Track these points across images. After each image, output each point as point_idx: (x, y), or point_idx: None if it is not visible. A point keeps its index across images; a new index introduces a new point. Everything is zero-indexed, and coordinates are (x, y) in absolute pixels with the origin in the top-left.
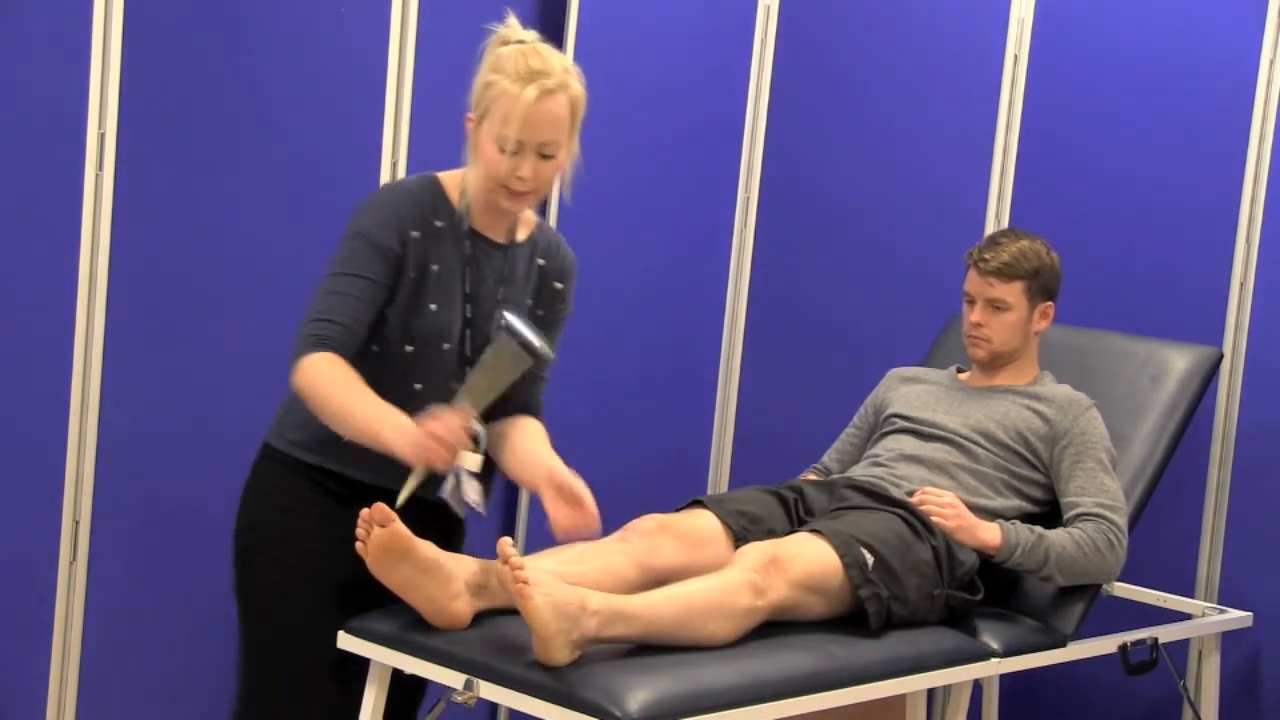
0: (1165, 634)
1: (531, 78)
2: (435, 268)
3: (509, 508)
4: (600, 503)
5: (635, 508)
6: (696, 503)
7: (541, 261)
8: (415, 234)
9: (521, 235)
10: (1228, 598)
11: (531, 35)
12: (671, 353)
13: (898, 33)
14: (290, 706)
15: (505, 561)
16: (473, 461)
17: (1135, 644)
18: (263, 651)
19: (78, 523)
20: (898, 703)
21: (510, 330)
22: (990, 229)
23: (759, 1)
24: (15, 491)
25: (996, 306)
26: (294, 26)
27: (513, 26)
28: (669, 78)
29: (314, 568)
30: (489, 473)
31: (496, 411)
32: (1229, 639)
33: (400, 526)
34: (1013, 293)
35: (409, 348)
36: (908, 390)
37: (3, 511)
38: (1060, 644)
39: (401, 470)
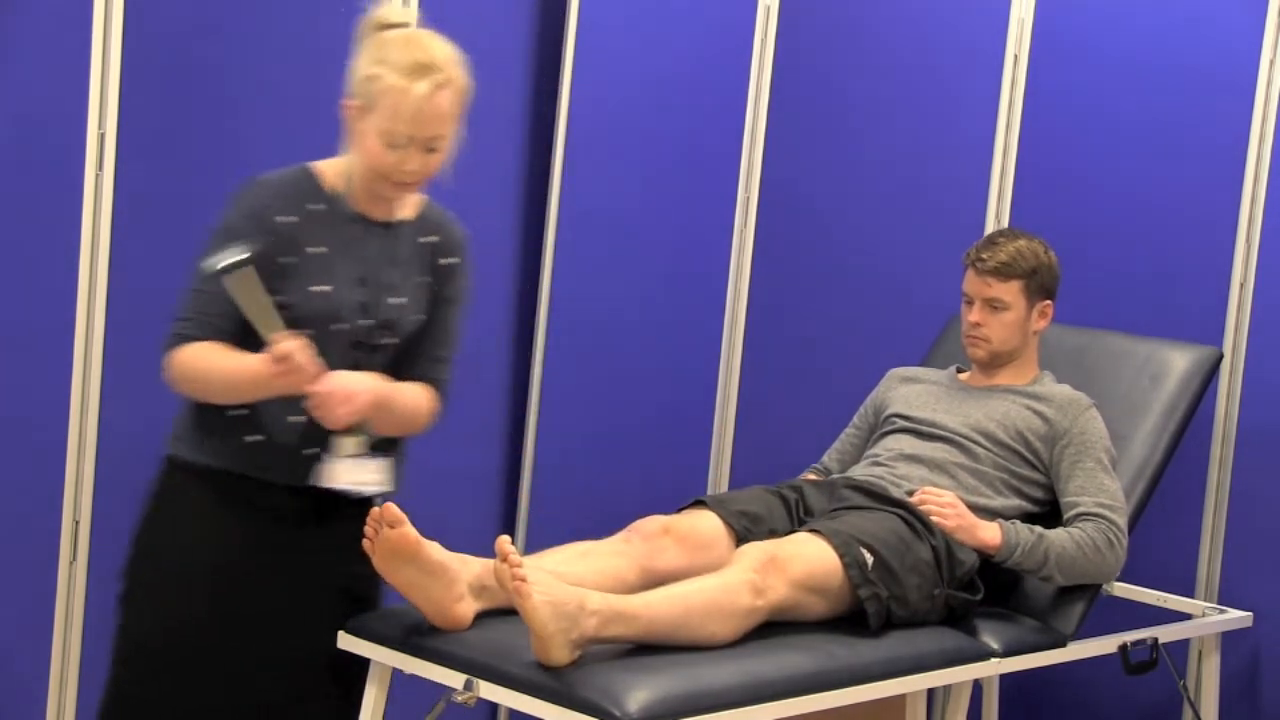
0: (1165, 634)
1: (420, 72)
2: (316, 250)
3: (509, 507)
4: (600, 503)
5: (635, 508)
6: (698, 503)
7: (430, 239)
8: (285, 220)
9: (407, 214)
10: (1228, 598)
11: (411, 15)
12: (671, 353)
13: (897, 33)
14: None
15: (504, 560)
16: (350, 446)
17: (1135, 644)
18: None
19: (78, 523)
20: (898, 703)
21: (220, 272)
22: (990, 229)
23: (759, 2)
24: (15, 491)
25: (994, 306)
26: (294, 26)
27: (390, 6)
28: (669, 78)
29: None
30: (390, 451)
31: (397, 378)
32: (1229, 639)
33: (410, 529)
34: (1010, 292)
35: (305, 331)
36: (908, 390)
37: (3, 511)
38: (1060, 644)
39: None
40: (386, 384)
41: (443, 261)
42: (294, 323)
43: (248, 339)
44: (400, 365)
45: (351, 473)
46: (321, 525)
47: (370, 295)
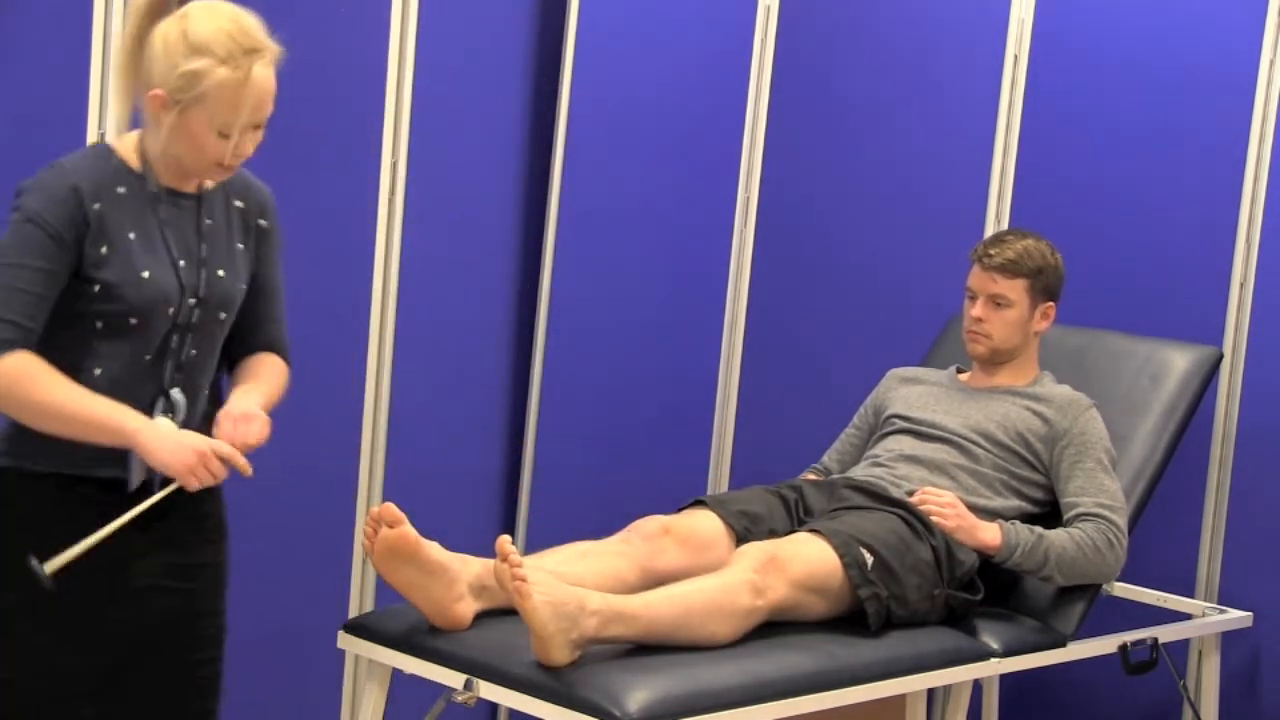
0: (1165, 634)
1: (249, 57)
2: (132, 235)
3: (509, 507)
4: (600, 503)
5: (635, 508)
6: (699, 503)
7: (239, 204)
8: (96, 207)
9: (210, 183)
10: (1228, 598)
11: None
12: (671, 353)
13: (897, 33)
14: None
15: (504, 560)
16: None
17: (1135, 644)
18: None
19: None
20: (898, 703)
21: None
22: (990, 229)
23: (759, 2)
24: None
25: (998, 303)
26: (294, 26)
27: None
28: (669, 78)
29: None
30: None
31: (237, 351)
32: (1229, 639)
33: (409, 528)
34: (1015, 290)
35: (133, 320)
36: (907, 391)
37: None
38: (1060, 644)
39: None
40: (260, 392)
41: (259, 223)
42: (132, 314)
43: (97, 324)
44: (238, 337)
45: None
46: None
47: (192, 274)
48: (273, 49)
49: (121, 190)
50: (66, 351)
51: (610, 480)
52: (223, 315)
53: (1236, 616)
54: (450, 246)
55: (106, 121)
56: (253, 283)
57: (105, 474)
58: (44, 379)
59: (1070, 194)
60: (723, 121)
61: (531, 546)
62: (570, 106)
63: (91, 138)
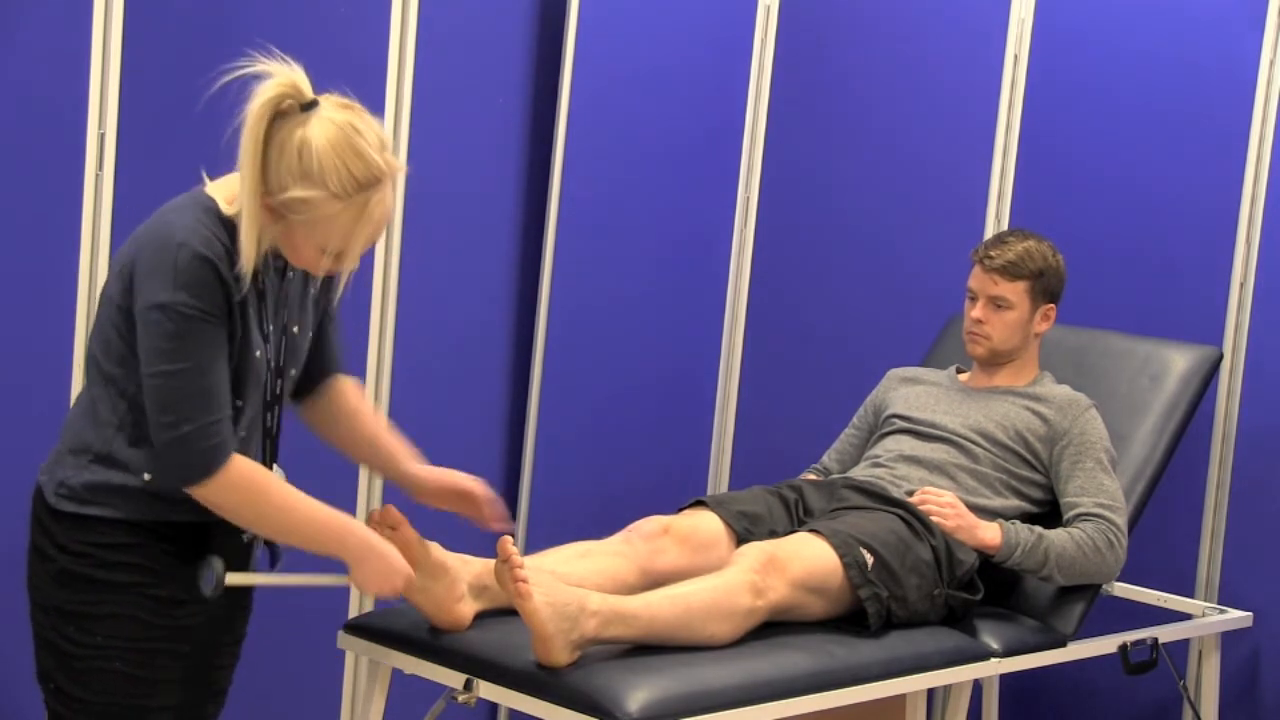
0: (1165, 634)
1: (362, 192)
2: (251, 311)
3: (509, 507)
4: (600, 503)
5: (635, 508)
6: (699, 503)
7: None
8: (233, 283)
9: None
10: (1228, 598)
11: (305, 85)
12: (671, 353)
13: (898, 33)
14: None
15: (505, 561)
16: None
17: (1135, 644)
18: None
19: None
20: (898, 703)
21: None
22: (990, 229)
23: (759, 1)
24: (16, 492)
25: (998, 304)
26: (294, 26)
27: (286, 77)
28: (669, 78)
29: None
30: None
31: (303, 382)
32: (1229, 639)
33: (410, 530)
34: (1015, 291)
35: (239, 402)
36: (907, 391)
37: (3, 512)
38: (1060, 644)
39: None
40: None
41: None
42: (239, 395)
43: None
44: (311, 368)
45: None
46: None
47: (278, 341)
48: (392, 171)
49: (236, 270)
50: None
51: (610, 480)
52: (293, 372)
53: (1236, 616)
54: (450, 246)
55: (106, 121)
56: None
57: (180, 519)
58: (274, 486)
59: (1070, 194)
60: (723, 121)
61: (531, 546)
62: (570, 106)
63: (92, 138)
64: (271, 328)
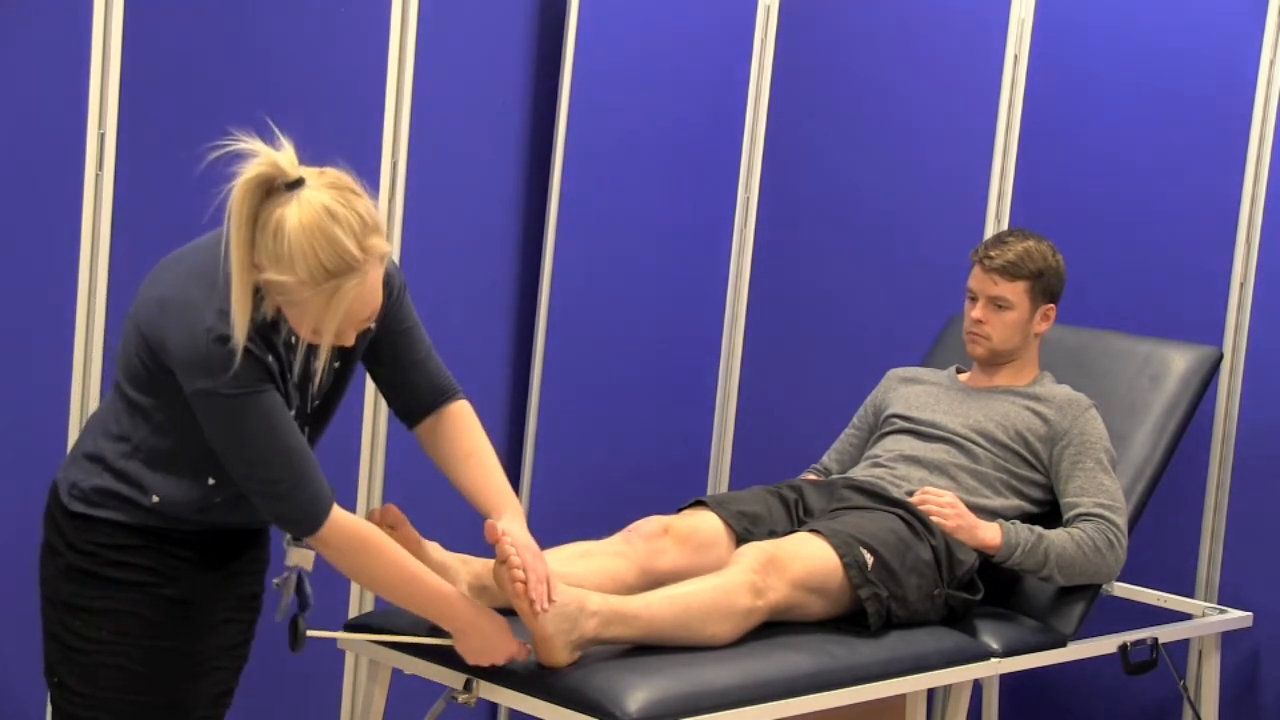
0: (1165, 634)
1: (331, 279)
2: (285, 370)
3: None
4: (600, 502)
5: (635, 508)
6: (698, 503)
7: None
8: (266, 356)
9: None
10: (1228, 598)
11: (292, 164)
12: (671, 353)
13: (898, 33)
14: None
15: (503, 562)
16: (308, 559)
17: (1135, 644)
18: None
19: None
20: (898, 703)
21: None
22: (990, 229)
23: (759, 1)
24: (15, 492)
25: (998, 305)
26: (294, 26)
27: (270, 159)
28: (669, 78)
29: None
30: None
31: (412, 403)
32: (1229, 639)
33: (411, 530)
34: (1015, 292)
35: None
36: (907, 391)
37: (3, 512)
38: (1060, 644)
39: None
40: (519, 512)
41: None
42: None
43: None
44: (401, 388)
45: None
46: None
47: (300, 388)
48: (369, 258)
49: (262, 324)
50: (195, 464)
51: (610, 480)
52: (316, 402)
53: (1236, 616)
54: (450, 246)
55: (106, 121)
56: (384, 335)
57: (187, 527)
58: (386, 543)
59: (1070, 194)
60: (723, 122)
61: None
62: (570, 106)
63: (92, 138)
64: (295, 384)
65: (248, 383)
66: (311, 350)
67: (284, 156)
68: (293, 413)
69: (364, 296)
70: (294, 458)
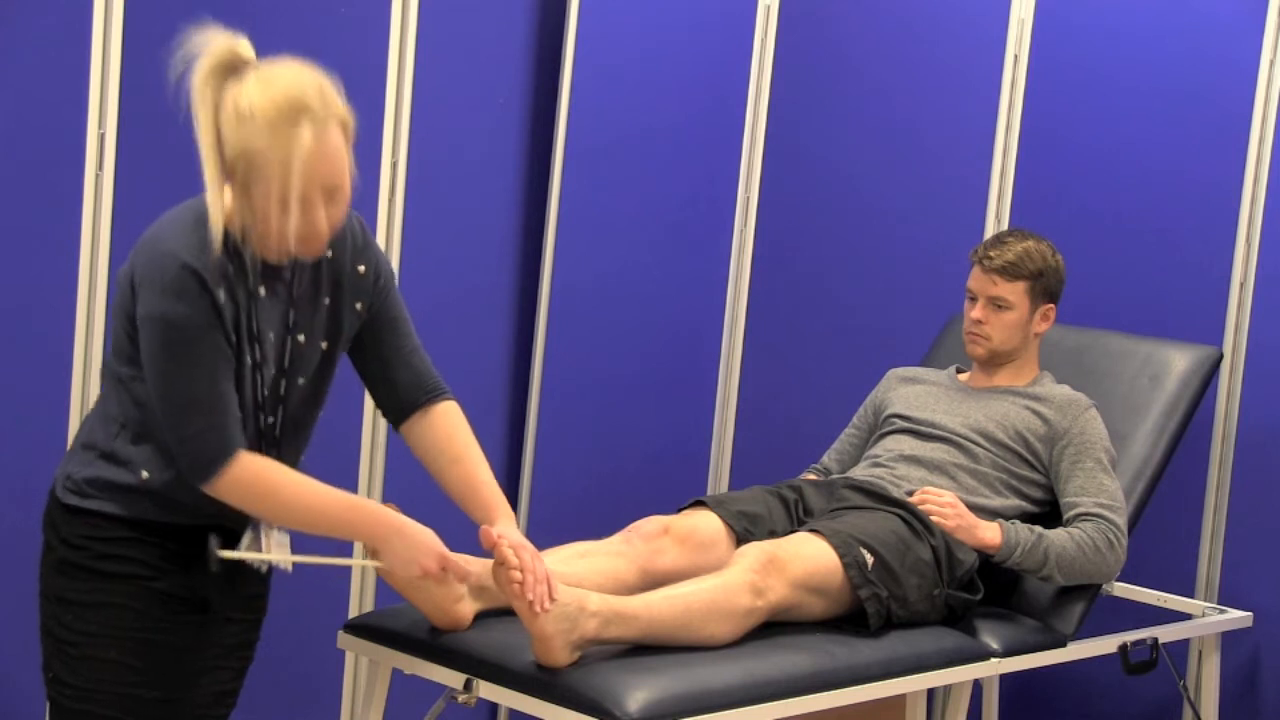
0: (1165, 634)
1: (287, 123)
2: (246, 320)
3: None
4: (600, 502)
5: (635, 508)
6: (698, 503)
7: (328, 253)
8: (220, 295)
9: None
10: (1228, 598)
11: (243, 48)
12: (671, 353)
13: (898, 33)
14: None
15: (502, 563)
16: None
17: (1135, 644)
18: None
19: None
20: (898, 703)
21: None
22: (990, 229)
23: (759, 1)
24: (15, 492)
25: (998, 305)
26: (294, 26)
27: (221, 40)
28: (669, 77)
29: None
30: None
31: (395, 399)
32: (1229, 639)
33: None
34: (1015, 292)
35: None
36: (907, 390)
37: (2, 512)
38: (1060, 644)
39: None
40: (510, 515)
41: (358, 269)
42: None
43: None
44: (383, 382)
45: (271, 542)
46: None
47: (279, 346)
48: (330, 112)
49: (227, 269)
50: (157, 428)
51: (610, 480)
52: (301, 380)
53: (1236, 616)
54: (450, 246)
55: (106, 121)
56: (369, 325)
57: (177, 521)
58: (285, 479)
59: (1070, 194)
60: (723, 121)
61: None
62: (570, 106)
63: (92, 138)
64: (273, 334)
65: (193, 316)
66: (296, 325)
67: (241, 42)
68: (264, 384)
69: (326, 153)
70: (213, 406)
